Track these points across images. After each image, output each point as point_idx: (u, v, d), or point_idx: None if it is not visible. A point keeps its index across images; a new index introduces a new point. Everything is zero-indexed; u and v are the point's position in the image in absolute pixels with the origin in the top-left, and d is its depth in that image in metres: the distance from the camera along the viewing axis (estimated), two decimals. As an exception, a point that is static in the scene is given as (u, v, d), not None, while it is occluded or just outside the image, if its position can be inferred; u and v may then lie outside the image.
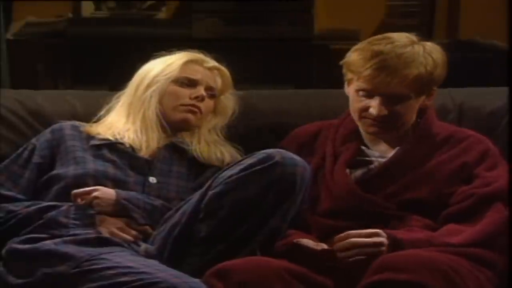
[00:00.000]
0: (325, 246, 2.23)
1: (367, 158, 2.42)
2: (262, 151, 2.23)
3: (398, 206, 2.32)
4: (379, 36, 2.41)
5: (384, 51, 2.34)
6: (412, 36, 2.39)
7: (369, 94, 2.35)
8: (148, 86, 2.55)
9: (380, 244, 2.18)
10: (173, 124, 2.56)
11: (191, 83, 2.57)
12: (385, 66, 2.32)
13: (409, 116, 2.38)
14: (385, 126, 2.37)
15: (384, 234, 2.20)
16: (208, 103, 2.59)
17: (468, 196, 2.29)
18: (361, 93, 2.36)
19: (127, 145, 2.52)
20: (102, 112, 2.63)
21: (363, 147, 2.44)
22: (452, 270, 2.06)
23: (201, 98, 2.56)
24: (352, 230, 2.25)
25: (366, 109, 2.36)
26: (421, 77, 2.32)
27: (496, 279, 2.19)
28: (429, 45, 2.38)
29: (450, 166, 2.35)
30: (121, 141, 2.52)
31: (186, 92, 2.56)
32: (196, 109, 2.55)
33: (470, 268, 2.13)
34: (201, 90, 2.56)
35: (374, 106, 2.34)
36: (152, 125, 2.53)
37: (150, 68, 2.60)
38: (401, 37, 2.38)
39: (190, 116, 2.55)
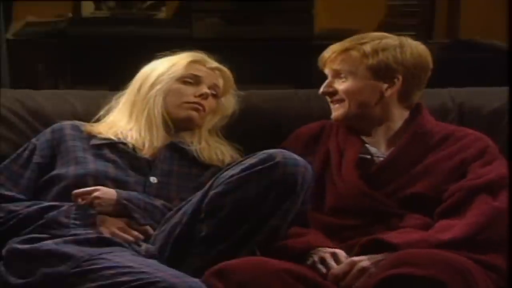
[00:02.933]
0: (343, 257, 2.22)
1: (368, 156, 2.43)
2: (264, 151, 2.23)
3: (399, 203, 2.33)
4: None
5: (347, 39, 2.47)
6: (389, 35, 2.45)
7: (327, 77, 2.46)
8: (153, 85, 2.56)
9: (364, 269, 2.17)
10: (177, 122, 2.56)
11: (196, 80, 2.57)
12: (332, 46, 2.45)
13: (361, 97, 2.41)
14: (338, 108, 2.43)
15: (363, 257, 2.19)
16: (211, 102, 2.59)
17: (458, 190, 2.30)
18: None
19: (130, 145, 2.52)
20: (102, 112, 2.63)
21: (366, 145, 2.44)
22: (468, 271, 2.06)
23: (205, 96, 2.56)
24: (356, 228, 2.30)
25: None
26: (351, 52, 2.40)
27: (501, 281, 2.18)
28: (405, 39, 2.44)
29: (449, 163, 2.36)
30: (123, 140, 2.52)
31: (190, 90, 2.56)
32: (200, 107, 2.56)
33: (480, 270, 2.12)
34: (205, 88, 2.57)
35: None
36: (157, 124, 2.53)
37: (154, 67, 2.60)
38: (375, 33, 2.48)
39: (194, 113, 2.56)
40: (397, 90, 2.42)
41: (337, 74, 2.43)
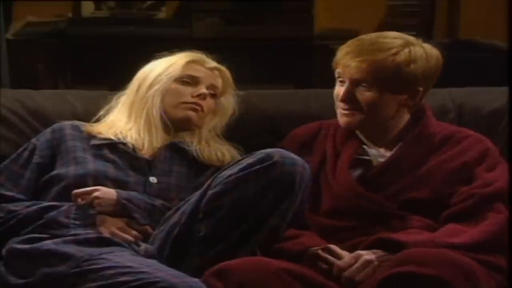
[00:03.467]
0: (346, 256, 2.22)
1: (367, 157, 2.42)
2: (261, 151, 2.23)
3: (399, 205, 2.32)
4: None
5: (361, 38, 2.38)
6: (410, 37, 2.38)
7: (342, 80, 2.37)
8: (151, 85, 2.56)
9: (368, 262, 2.18)
10: (175, 122, 2.56)
11: (193, 81, 2.57)
12: (354, 50, 2.34)
13: (382, 109, 2.36)
14: (353, 114, 2.36)
15: (369, 251, 2.19)
16: (210, 102, 2.59)
17: (469, 196, 2.29)
18: (338, 80, 2.39)
19: (129, 145, 2.52)
20: (101, 112, 2.63)
21: (364, 146, 2.44)
22: (472, 271, 2.05)
23: (203, 96, 2.56)
24: (353, 230, 2.29)
25: (337, 96, 2.39)
26: (383, 64, 2.30)
27: (505, 282, 2.17)
28: (426, 46, 2.38)
29: (450, 166, 2.35)
30: (123, 140, 2.52)
31: (188, 90, 2.56)
32: (198, 107, 2.56)
33: (484, 272, 2.12)
34: (203, 88, 2.57)
35: (340, 90, 2.37)
36: (156, 124, 2.53)
37: (152, 68, 2.60)
38: (396, 35, 2.39)
39: (192, 113, 2.56)
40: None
41: (358, 82, 2.34)
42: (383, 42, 2.34)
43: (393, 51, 2.32)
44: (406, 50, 2.33)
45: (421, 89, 2.37)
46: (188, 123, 2.57)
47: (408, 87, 2.36)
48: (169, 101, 2.55)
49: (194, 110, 2.56)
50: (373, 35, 2.40)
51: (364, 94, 2.34)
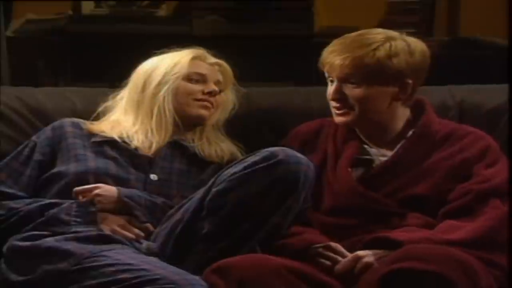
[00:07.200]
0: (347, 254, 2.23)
1: (368, 157, 2.42)
2: (266, 149, 2.23)
3: (399, 203, 2.32)
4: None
5: (345, 37, 2.41)
6: (393, 32, 2.40)
7: (332, 80, 2.39)
8: (159, 84, 2.53)
9: (368, 264, 2.19)
10: (187, 120, 2.55)
11: (201, 78, 2.57)
12: (337, 49, 2.37)
13: (373, 104, 2.37)
14: (346, 113, 2.38)
15: (368, 252, 2.20)
16: (218, 98, 2.59)
17: (466, 192, 2.29)
18: (328, 79, 2.41)
19: (130, 143, 2.51)
20: (100, 109, 2.62)
21: (364, 146, 2.44)
22: (470, 266, 2.05)
23: (214, 93, 2.56)
24: (353, 228, 2.29)
25: (328, 95, 2.41)
26: (364, 60, 2.32)
27: (503, 278, 2.17)
28: (410, 39, 2.39)
29: (450, 163, 2.36)
30: (127, 140, 2.51)
31: (196, 87, 2.56)
32: (209, 105, 2.56)
33: (483, 267, 2.12)
34: (212, 85, 2.57)
35: (330, 89, 2.39)
36: (168, 123, 2.52)
37: (154, 66, 2.58)
38: (378, 31, 2.41)
39: (204, 112, 2.55)
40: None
41: (346, 80, 2.36)
42: (364, 39, 2.37)
43: (373, 46, 2.34)
44: (387, 44, 2.35)
45: (410, 81, 2.38)
46: (200, 121, 2.57)
47: (395, 80, 2.37)
48: (181, 100, 2.54)
49: (206, 108, 2.55)
50: (356, 33, 2.43)
51: (353, 91, 2.36)
